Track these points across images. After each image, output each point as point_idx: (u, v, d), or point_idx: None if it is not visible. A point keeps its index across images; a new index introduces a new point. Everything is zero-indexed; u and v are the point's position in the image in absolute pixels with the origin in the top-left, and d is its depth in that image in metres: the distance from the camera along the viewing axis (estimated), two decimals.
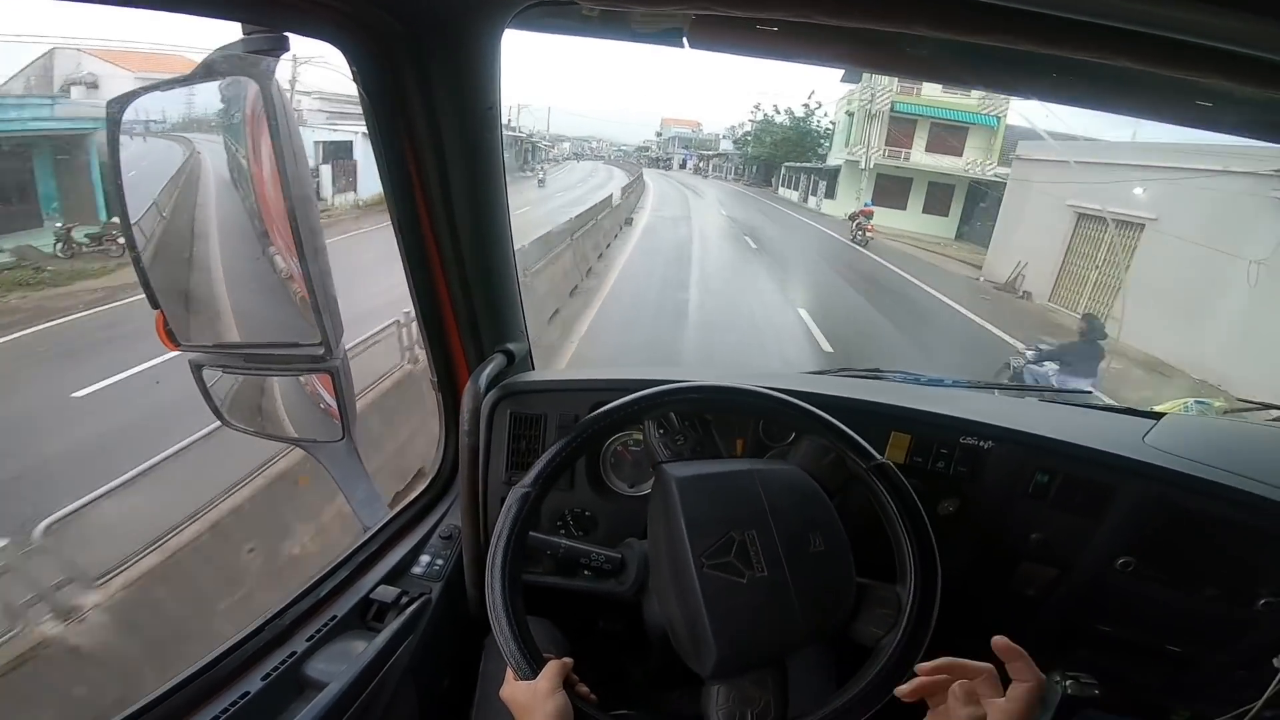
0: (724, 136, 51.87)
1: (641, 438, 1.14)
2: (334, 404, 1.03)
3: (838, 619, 0.79)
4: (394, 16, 0.78)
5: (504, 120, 0.98)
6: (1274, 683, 0.94)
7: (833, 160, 27.51)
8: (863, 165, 23.21)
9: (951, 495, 1.09)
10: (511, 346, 1.16)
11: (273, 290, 0.97)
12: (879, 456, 0.85)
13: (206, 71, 0.77)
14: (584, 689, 0.79)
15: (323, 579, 1.07)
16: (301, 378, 1.08)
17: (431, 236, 0.99)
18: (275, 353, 1.01)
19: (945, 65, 0.92)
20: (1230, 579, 1.02)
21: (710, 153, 54.47)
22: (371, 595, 1.07)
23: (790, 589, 0.76)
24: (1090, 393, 1.48)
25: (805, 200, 29.88)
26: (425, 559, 1.17)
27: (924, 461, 1.09)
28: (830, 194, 26.19)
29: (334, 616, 1.01)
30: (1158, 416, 1.24)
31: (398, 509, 1.23)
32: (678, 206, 24.94)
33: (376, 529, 1.18)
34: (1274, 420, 1.42)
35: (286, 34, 0.72)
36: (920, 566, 0.79)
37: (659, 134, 72.39)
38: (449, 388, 1.18)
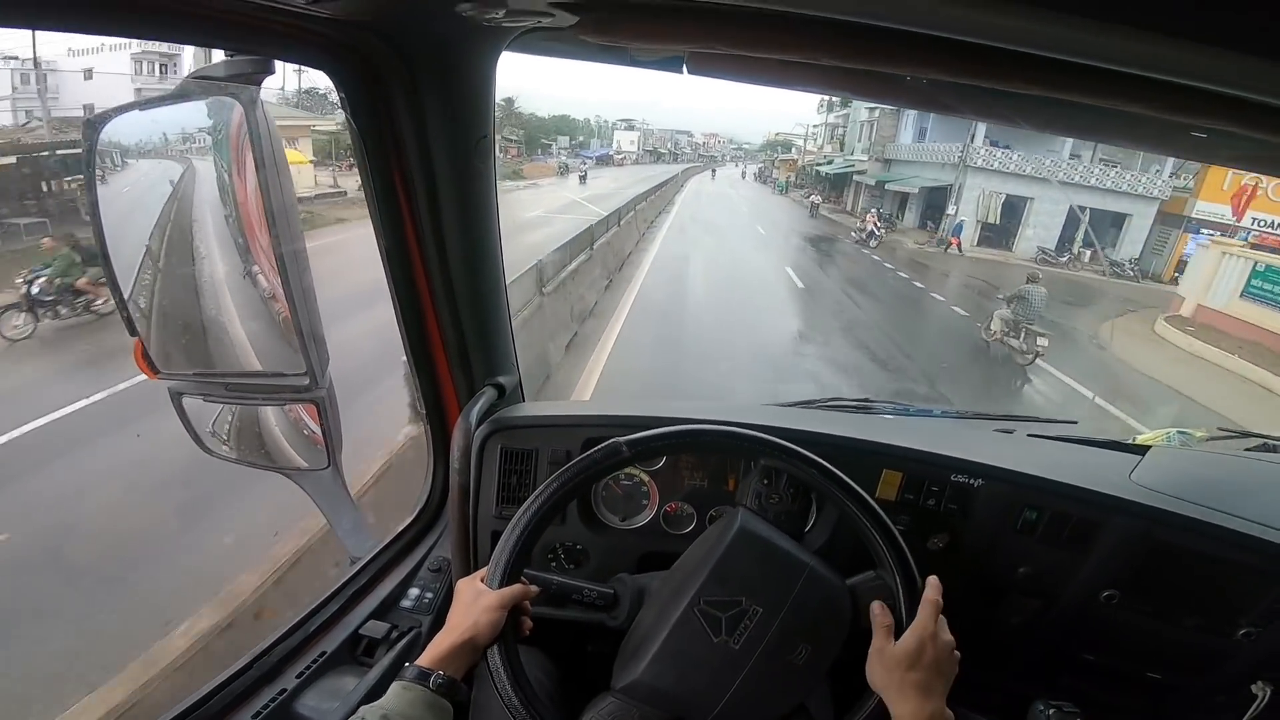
0: None
1: (634, 472, 1.15)
2: (319, 431, 1.00)
3: None
4: (386, 43, 0.76)
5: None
6: (1252, 706, 1.01)
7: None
8: None
9: (941, 531, 1.09)
10: (502, 379, 1.15)
11: (257, 319, 0.94)
12: None
13: (185, 94, 0.73)
14: (528, 622, 0.81)
15: (312, 614, 1.04)
16: (286, 406, 1.05)
17: (421, 267, 0.97)
18: (259, 382, 0.98)
19: (944, 97, 0.91)
20: (1212, 610, 1.04)
21: None
22: (361, 630, 1.05)
23: (742, 675, 0.76)
24: (1075, 423, 1.47)
25: None
26: (414, 592, 1.15)
27: (915, 499, 1.09)
28: None
29: (323, 653, 0.99)
30: (1142, 450, 1.26)
31: (386, 541, 1.20)
32: None
33: (365, 561, 1.16)
34: (1253, 449, 1.44)
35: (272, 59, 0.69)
36: None
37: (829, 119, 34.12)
38: (438, 420, 1.15)
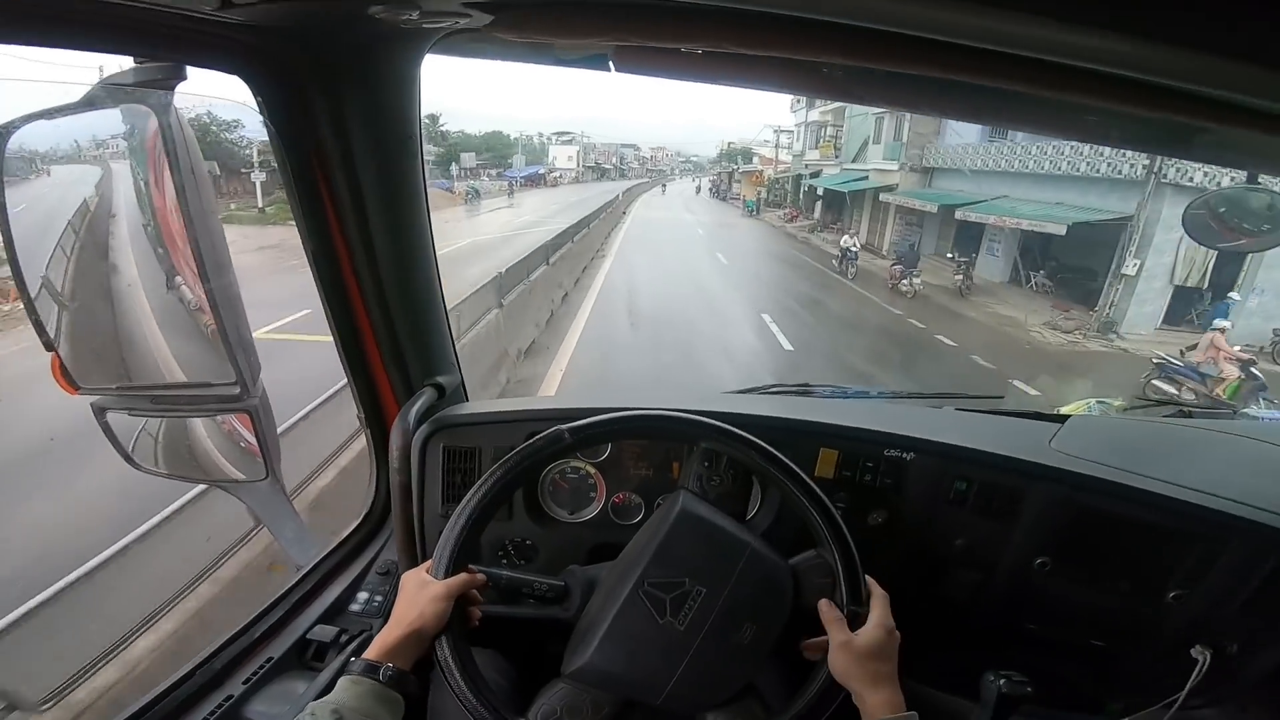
0: None
1: (580, 465, 1.16)
2: (255, 441, 0.98)
3: (701, 704, 0.80)
4: (303, 48, 0.75)
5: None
6: (1194, 672, 1.03)
7: None
8: None
9: (879, 507, 1.11)
10: (442, 379, 1.14)
11: (182, 328, 0.92)
12: (864, 607, 0.83)
13: (93, 102, 0.72)
14: (476, 612, 0.82)
15: (256, 620, 1.03)
16: (217, 417, 1.03)
17: (350, 270, 0.96)
18: (186, 394, 0.96)
19: (859, 87, 0.94)
20: (1140, 574, 1.07)
21: None
22: (309, 635, 1.04)
23: (689, 655, 0.77)
24: (1002, 398, 1.51)
25: None
26: (363, 596, 1.14)
27: (852, 475, 1.11)
28: None
29: (270, 658, 0.98)
30: (1063, 419, 1.29)
31: (331, 546, 1.19)
32: None
33: (310, 567, 1.15)
34: (1170, 417, 1.51)
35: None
36: (804, 716, 0.79)
37: None
38: (377, 423, 1.14)
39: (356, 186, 0.88)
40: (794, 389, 1.47)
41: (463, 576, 0.79)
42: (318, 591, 1.13)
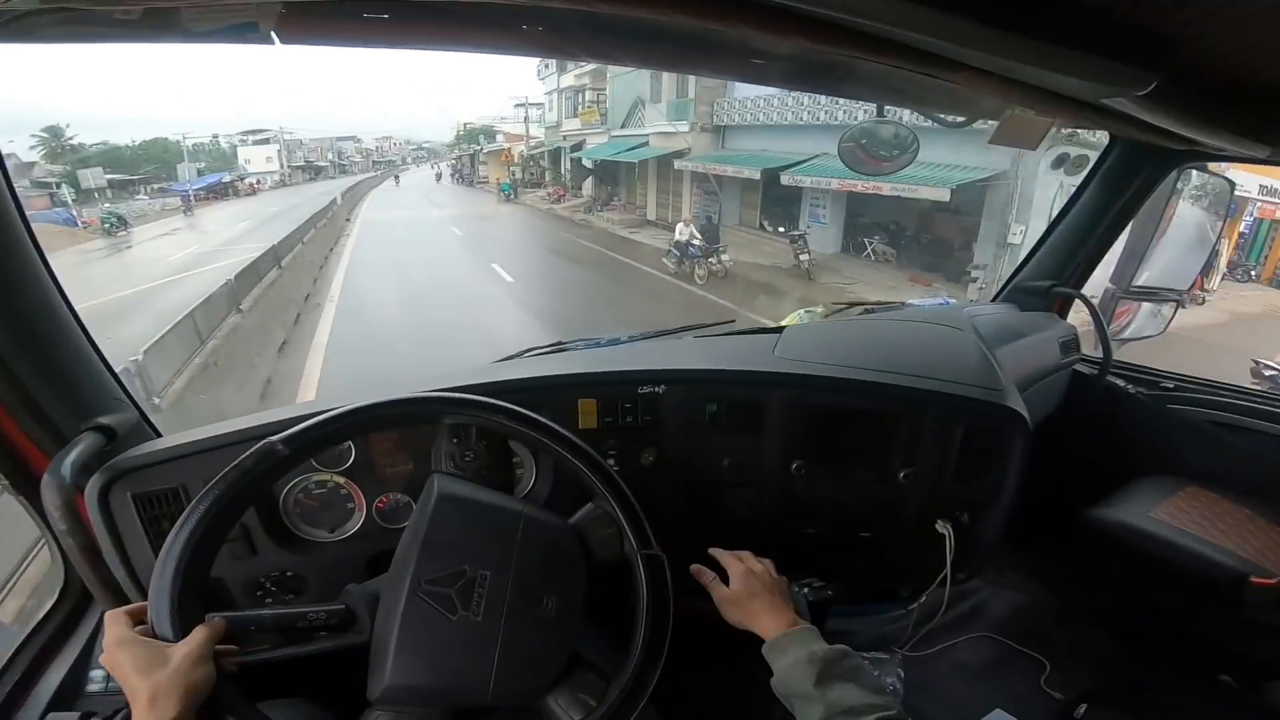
0: None
1: (325, 477, 1.04)
2: None
3: (531, 689, 0.75)
4: None
5: None
6: (947, 546, 1.14)
7: None
8: None
9: (649, 445, 1.12)
10: (107, 420, 0.93)
11: None
12: (655, 548, 0.81)
13: None
14: (230, 662, 0.68)
15: None
16: None
17: None
18: None
19: (555, 40, 0.91)
20: (871, 460, 1.15)
21: None
22: None
23: (497, 643, 0.72)
24: (734, 321, 1.70)
25: None
26: (99, 674, 0.96)
27: (614, 420, 1.10)
28: None
29: None
30: (781, 329, 1.38)
31: (30, 629, 1.00)
32: None
33: (11, 655, 0.96)
34: (862, 314, 1.77)
35: None
36: (641, 669, 0.76)
37: None
38: (29, 486, 0.91)
39: None
40: (548, 348, 1.43)
41: (205, 629, 0.65)
42: (33, 678, 0.94)
